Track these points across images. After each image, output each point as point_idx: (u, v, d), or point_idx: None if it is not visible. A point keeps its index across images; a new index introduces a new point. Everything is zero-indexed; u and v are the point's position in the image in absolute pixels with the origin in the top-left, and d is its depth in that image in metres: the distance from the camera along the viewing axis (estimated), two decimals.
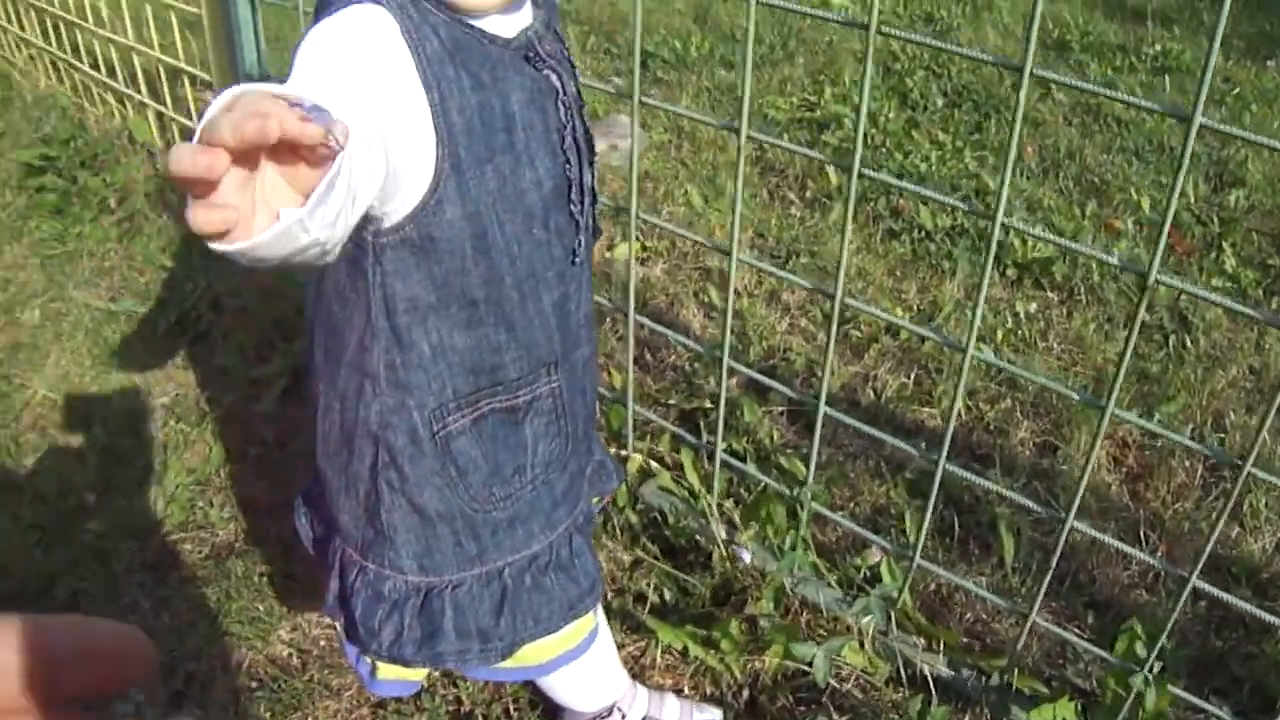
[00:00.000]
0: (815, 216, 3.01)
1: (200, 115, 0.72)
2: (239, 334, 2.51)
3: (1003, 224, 1.38)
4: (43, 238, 2.97)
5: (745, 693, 1.76)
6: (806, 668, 1.71)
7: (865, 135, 3.32)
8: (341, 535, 1.31)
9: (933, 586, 1.93)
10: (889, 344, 2.50)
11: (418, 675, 1.45)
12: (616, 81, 3.71)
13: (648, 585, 1.89)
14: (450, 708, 1.74)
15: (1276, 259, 2.91)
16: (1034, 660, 1.81)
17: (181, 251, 2.84)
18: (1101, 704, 1.64)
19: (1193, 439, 1.47)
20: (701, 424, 2.23)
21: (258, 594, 1.94)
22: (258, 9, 2.50)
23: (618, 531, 1.98)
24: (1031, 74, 1.26)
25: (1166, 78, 3.93)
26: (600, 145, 3.28)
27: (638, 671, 1.77)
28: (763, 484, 1.90)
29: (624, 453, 2.02)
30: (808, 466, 1.80)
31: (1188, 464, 2.22)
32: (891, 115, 3.42)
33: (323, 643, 1.88)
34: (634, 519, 1.97)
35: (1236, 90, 3.88)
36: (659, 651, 1.79)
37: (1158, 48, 4.18)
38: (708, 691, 1.77)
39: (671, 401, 2.32)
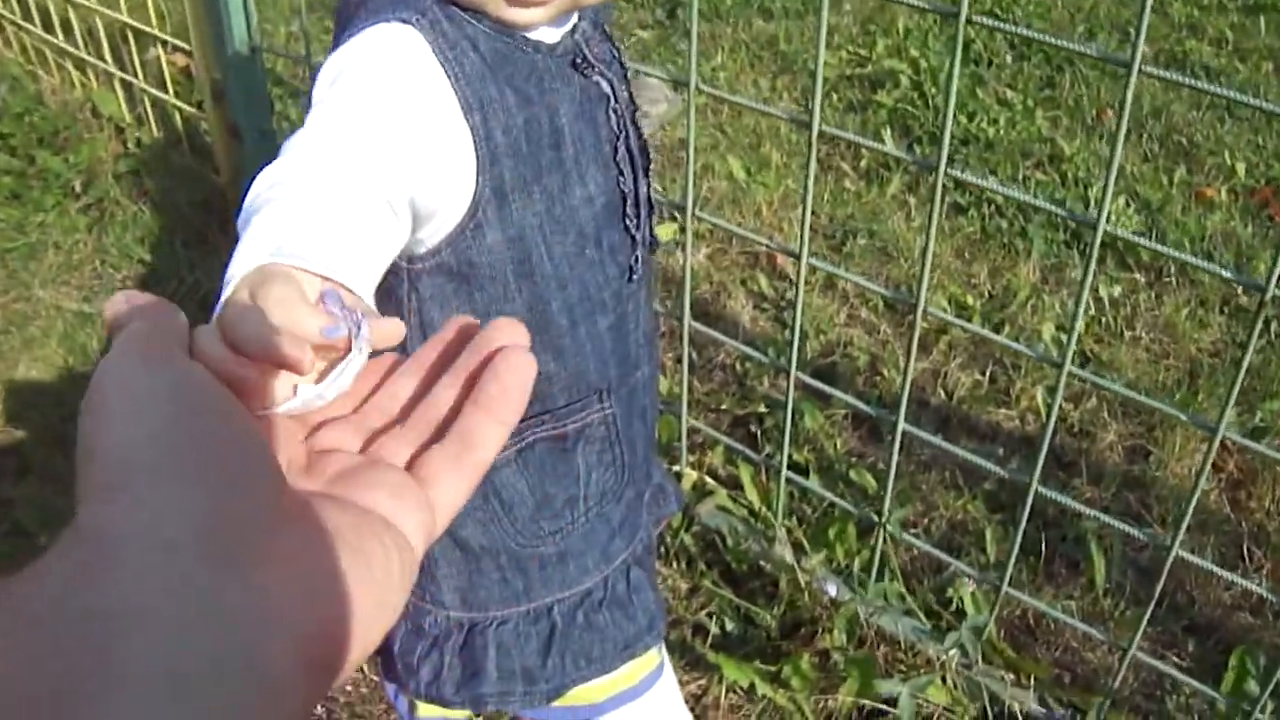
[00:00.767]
0: (872, 190, 3.11)
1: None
2: None
3: (1105, 229, 1.45)
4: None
5: None
6: (884, 706, 1.81)
7: (924, 94, 3.41)
8: None
9: (1018, 612, 2.04)
10: (959, 336, 2.60)
11: (461, 714, 1.53)
12: (641, 34, 3.80)
13: (708, 615, 2.00)
14: None
15: None
16: (1131, 694, 1.91)
17: (162, 243, 2.93)
18: None
19: None
20: (757, 431, 2.33)
21: None
22: None
23: (673, 556, 2.09)
24: (1141, 70, 1.34)
25: (1261, 18, 4.00)
26: None
27: (700, 713, 1.88)
28: (829, 501, 2.00)
29: (676, 468, 2.12)
30: (878, 479, 1.90)
31: None
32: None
33: (349, 688, 1.97)
34: (690, 542, 2.08)
35: None
36: (722, 690, 1.90)
37: None
38: None
39: (723, 407, 2.42)
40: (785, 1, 4.02)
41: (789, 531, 2.01)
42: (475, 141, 1.07)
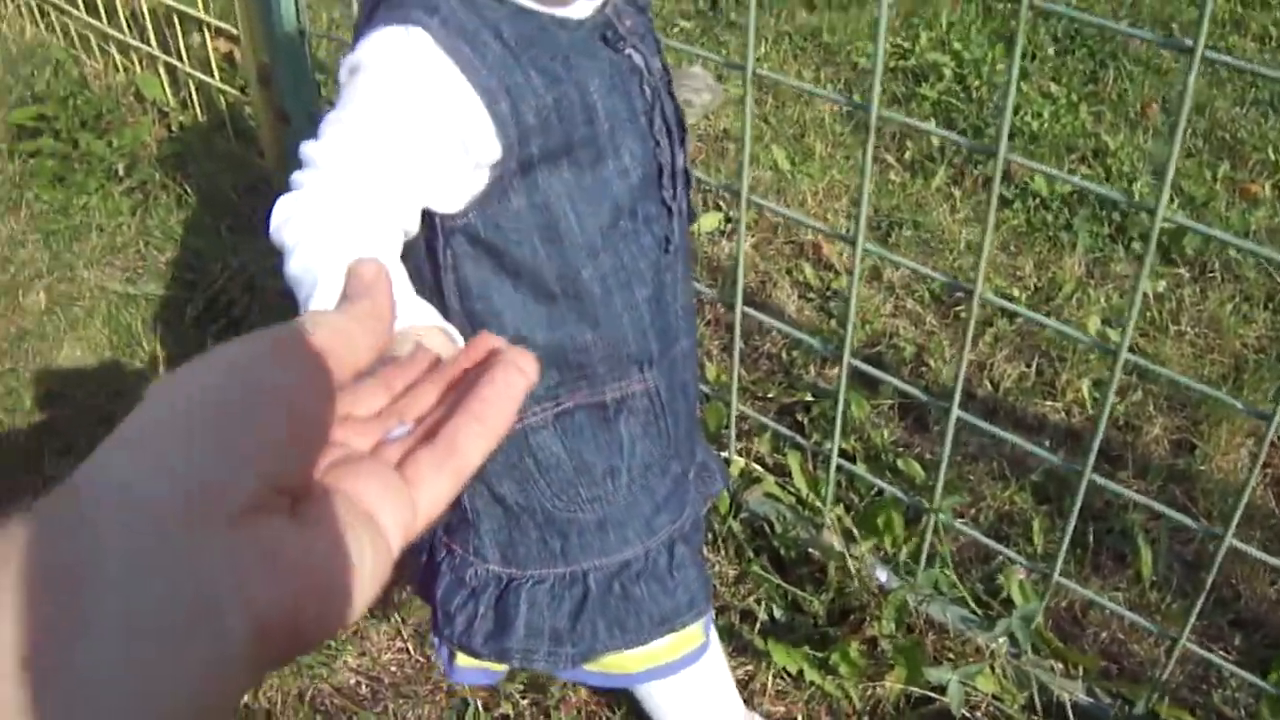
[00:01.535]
0: (917, 182, 3.11)
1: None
2: (278, 320, 2.61)
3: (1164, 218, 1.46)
4: (43, 209, 3.10)
5: None
6: (932, 694, 1.82)
7: (967, 87, 3.42)
8: None
9: (1065, 603, 2.05)
10: (1005, 329, 2.61)
11: (500, 666, 1.55)
12: (684, 25, 3.81)
13: (756, 602, 2.01)
14: None
15: None
16: (1178, 685, 1.92)
17: (205, 225, 2.96)
18: None
19: None
20: (804, 419, 2.35)
21: None
22: None
23: (721, 542, 2.11)
24: (1204, 58, 1.35)
25: None
26: None
27: (747, 699, 1.89)
28: (877, 488, 2.01)
29: (724, 455, 2.13)
30: (926, 468, 1.92)
31: None
32: (998, 65, 3.51)
33: (394, 668, 2.00)
34: (738, 529, 2.10)
35: None
36: (770, 676, 1.92)
37: None
38: None
39: (770, 395, 2.44)
40: None
41: (838, 519, 2.02)
42: (503, 127, 1.10)
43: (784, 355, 2.55)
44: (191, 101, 3.27)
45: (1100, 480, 1.69)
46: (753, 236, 2.92)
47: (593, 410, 1.32)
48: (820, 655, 1.88)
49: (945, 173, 3.12)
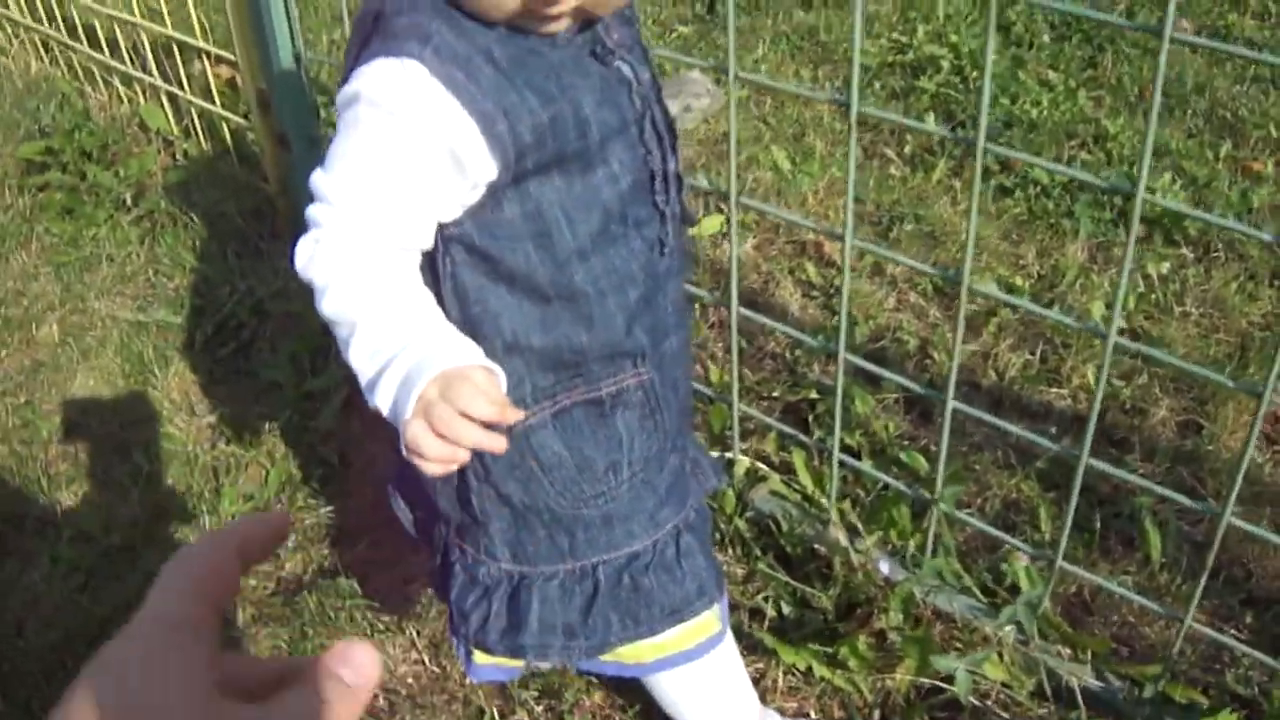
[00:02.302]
0: (918, 176, 3.13)
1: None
2: (288, 342, 2.65)
3: (1145, 196, 1.47)
4: (53, 242, 3.14)
5: (876, 714, 1.89)
6: (942, 684, 1.84)
7: (965, 78, 3.43)
8: (442, 518, 1.51)
9: (1073, 589, 2.06)
10: (1008, 317, 2.62)
11: (516, 662, 1.59)
12: (682, 30, 3.83)
13: (764, 600, 2.03)
14: None
15: None
16: (1189, 667, 1.93)
17: (213, 252, 2.99)
18: (1269, 714, 1.75)
19: None
20: (809, 417, 2.36)
21: (335, 630, 2.09)
22: None
23: (728, 542, 2.13)
24: (1173, 39, 1.37)
25: None
26: (673, 107, 3.41)
27: (759, 696, 1.91)
28: (882, 483, 2.03)
29: (729, 455, 2.15)
30: (930, 461, 1.93)
31: None
32: (994, 54, 3.51)
33: (410, 680, 2.02)
34: (744, 528, 2.11)
35: None
36: (780, 673, 1.93)
37: None
38: (836, 715, 1.90)
39: (775, 394, 2.46)
40: None
41: (842, 514, 2.04)
42: (500, 148, 1.14)
43: (788, 354, 2.57)
44: (195, 129, 3.31)
45: (1099, 465, 1.70)
46: (754, 237, 2.94)
47: (589, 406, 1.36)
48: (829, 650, 1.90)
49: (946, 165, 3.14)
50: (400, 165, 1.13)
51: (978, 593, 1.95)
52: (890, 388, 2.40)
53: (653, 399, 1.39)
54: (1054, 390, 2.47)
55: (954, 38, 3.62)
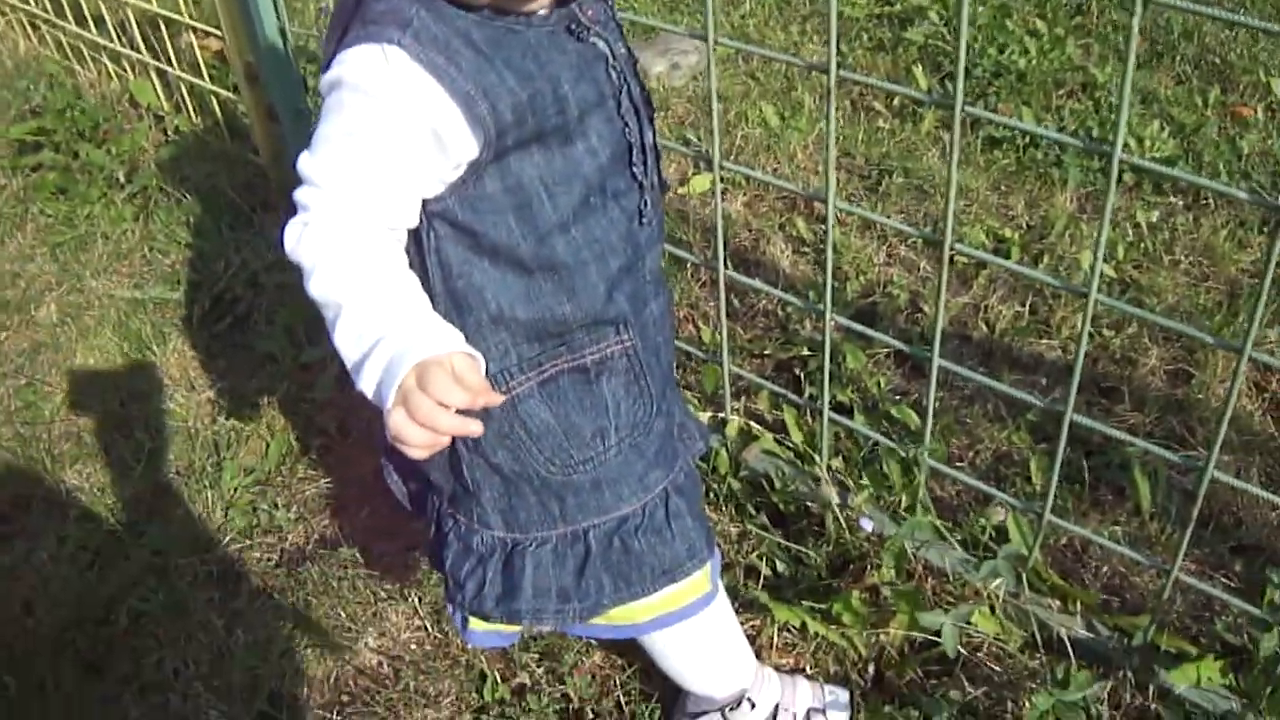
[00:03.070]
0: (906, 128, 3.14)
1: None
2: (283, 314, 2.68)
3: (1124, 157, 1.48)
4: (48, 222, 3.16)
5: (870, 668, 1.92)
6: (935, 638, 1.86)
7: (953, 29, 3.42)
8: (435, 489, 1.54)
9: (1064, 541, 2.08)
10: (998, 269, 2.63)
11: (513, 628, 1.63)
12: None
13: (758, 558, 2.06)
14: (558, 705, 1.92)
15: None
16: (1179, 616, 1.95)
17: (207, 226, 3.01)
18: (1256, 662, 1.76)
19: None
20: (801, 375, 2.38)
21: (338, 600, 2.12)
22: None
23: (722, 502, 2.15)
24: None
25: None
26: (661, 65, 3.42)
27: (755, 653, 1.93)
28: (873, 441, 2.05)
29: (721, 415, 2.18)
30: (921, 417, 1.95)
31: None
32: (979, 7, 3.52)
33: (414, 646, 2.05)
34: (737, 487, 2.14)
35: None
36: (775, 629, 1.96)
37: None
38: (830, 670, 1.93)
39: (767, 352, 2.48)
40: None
41: (834, 471, 2.06)
42: (481, 128, 1.17)
43: (779, 311, 2.58)
44: (185, 104, 3.32)
45: (1083, 420, 1.72)
46: (744, 195, 2.95)
47: (575, 374, 1.39)
48: (823, 607, 1.92)
49: (934, 116, 3.15)
50: (384, 148, 1.15)
51: (965, 548, 1.97)
52: (881, 342, 2.42)
53: (637, 365, 1.42)
54: (1044, 341, 2.49)
55: None
